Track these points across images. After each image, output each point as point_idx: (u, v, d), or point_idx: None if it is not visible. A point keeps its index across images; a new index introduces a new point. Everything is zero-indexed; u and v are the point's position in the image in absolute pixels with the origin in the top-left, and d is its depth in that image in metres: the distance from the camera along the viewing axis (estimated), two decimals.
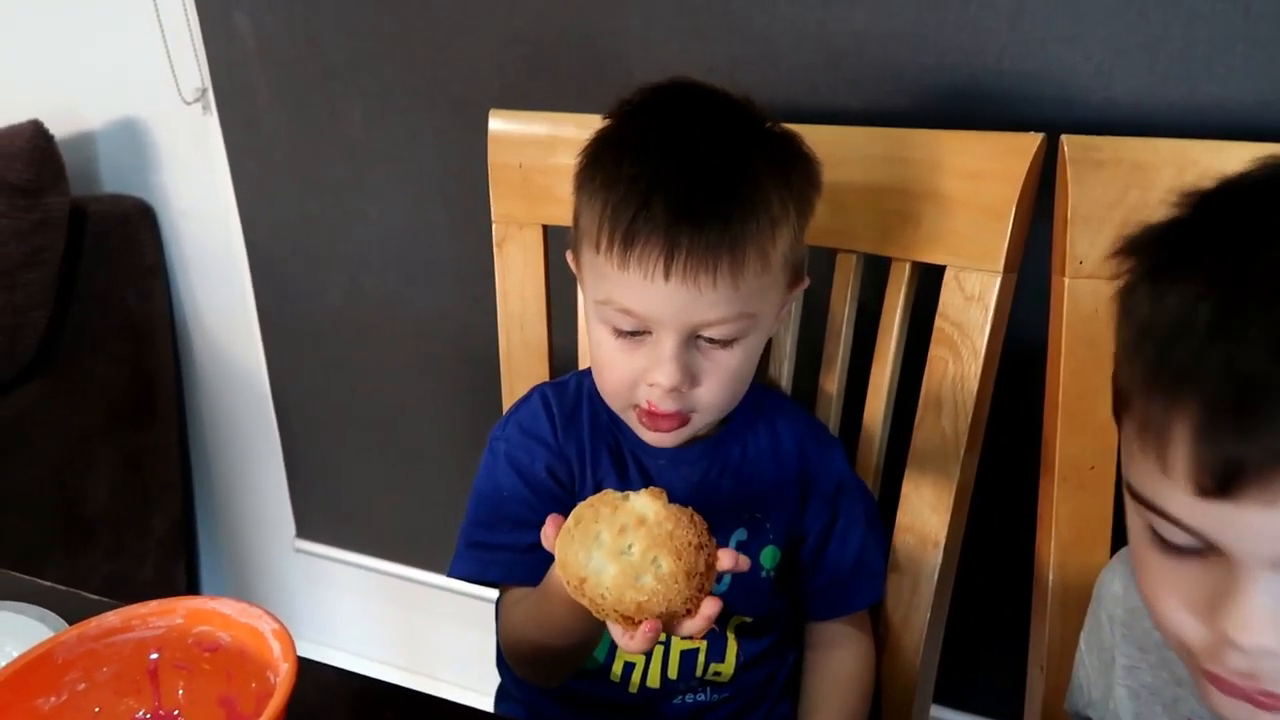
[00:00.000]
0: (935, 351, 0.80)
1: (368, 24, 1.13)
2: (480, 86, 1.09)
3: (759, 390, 0.82)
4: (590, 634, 0.68)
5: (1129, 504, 0.49)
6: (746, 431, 0.78)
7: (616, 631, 0.58)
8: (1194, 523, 0.44)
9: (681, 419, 0.70)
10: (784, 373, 0.88)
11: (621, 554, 0.57)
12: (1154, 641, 0.59)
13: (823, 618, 0.82)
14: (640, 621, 0.57)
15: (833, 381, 0.86)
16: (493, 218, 0.92)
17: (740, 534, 0.76)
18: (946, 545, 0.81)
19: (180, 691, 0.58)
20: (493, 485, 0.76)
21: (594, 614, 0.58)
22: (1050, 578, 0.79)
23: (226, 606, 0.58)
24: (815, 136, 0.75)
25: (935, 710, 0.97)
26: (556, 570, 0.60)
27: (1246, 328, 0.41)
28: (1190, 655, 0.49)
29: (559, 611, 0.65)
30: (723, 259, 0.64)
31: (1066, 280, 0.75)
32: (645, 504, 0.58)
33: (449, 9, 1.09)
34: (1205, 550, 0.46)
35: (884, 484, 0.85)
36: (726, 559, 0.59)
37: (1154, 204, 0.71)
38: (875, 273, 0.84)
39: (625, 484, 0.76)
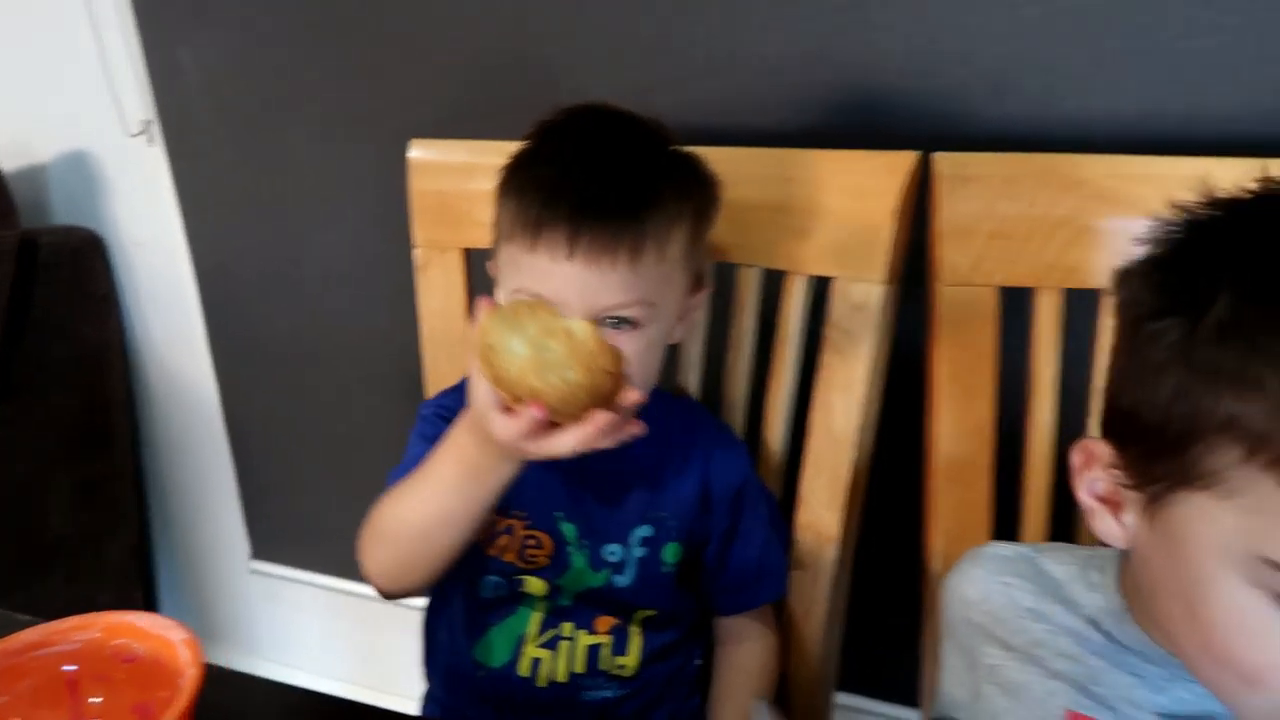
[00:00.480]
0: (825, 358, 0.85)
1: (308, 55, 1.18)
2: (418, 115, 1.14)
3: (668, 397, 0.87)
4: (460, 503, 0.71)
5: (1245, 575, 0.47)
6: (655, 435, 0.83)
7: (497, 418, 0.64)
8: None
9: (633, 437, 0.74)
10: (693, 381, 0.93)
11: (540, 349, 0.62)
12: (1021, 641, 0.61)
13: (729, 613, 0.86)
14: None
15: (737, 389, 0.91)
16: (414, 243, 0.96)
17: (645, 530, 0.81)
18: (841, 540, 0.86)
19: (98, 701, 0.62)
20: (411, 455, 0.80)
21: (490, 381, 0.63)
22: (938, 568, 0.84)
23: (141, 620, 0.60)
24: (717, 157, 0.81)
25: (841, 697, 1.01)
26: (474, 334, 0.64)
27: None
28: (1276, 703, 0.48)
29: (442, 468, 0.70)
30: (623, 244, 0.70)
31: (942, 288, 0.80)
32: (580, 325, 0.63)
33: (387, 40, 1.14)
34: None
35: (786, 485, 0.90)
36: (632, 396, 0.65)
37: (1019, 216, 0.78)
38: (774, 285, 0.89)
39: (541, 464, 0.80)
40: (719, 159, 0.82)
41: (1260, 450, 0.44)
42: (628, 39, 1.02)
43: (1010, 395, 0.81)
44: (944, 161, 0.78)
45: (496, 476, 0.70)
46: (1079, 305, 0.79)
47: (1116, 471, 0.53)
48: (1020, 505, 0.82)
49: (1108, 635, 0.58)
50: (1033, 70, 0.89)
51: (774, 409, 0.88)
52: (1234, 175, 0.52)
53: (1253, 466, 0.45)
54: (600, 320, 0.71)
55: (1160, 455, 0.49)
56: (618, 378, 0.64)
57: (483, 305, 0.67)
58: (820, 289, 0.86)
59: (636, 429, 0.67)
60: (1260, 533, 0.45)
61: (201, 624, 1.63)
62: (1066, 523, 0.81)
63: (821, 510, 0.86)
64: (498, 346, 0.63)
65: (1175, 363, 0.48)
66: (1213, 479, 0.46)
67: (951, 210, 0.79)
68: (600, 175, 0.72)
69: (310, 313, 1.34)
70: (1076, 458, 0.56)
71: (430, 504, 0.72)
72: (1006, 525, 0.82)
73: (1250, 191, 0.50)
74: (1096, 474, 0.55)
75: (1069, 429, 0.80)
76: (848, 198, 0.82)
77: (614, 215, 0.70)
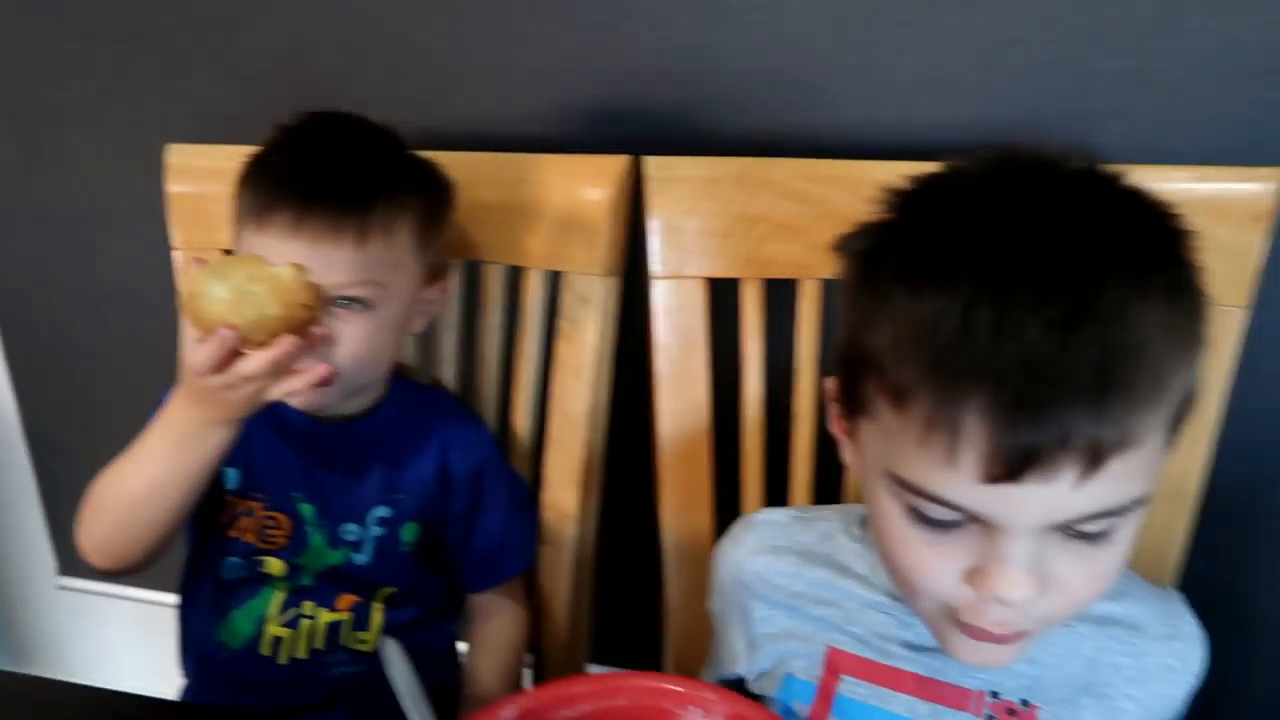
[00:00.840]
0: (559, 347, 0.91)
1: (89, 63, 1.19)
2: (201, 120, 1.16)
3: (413, 385, 0.92)
4: (171, 471, 0.73)
5: (884, 488, 0.54)
6: (396, 419, 0.88)
7: (191, 349, 0.67)
8: (969, 503, 0.49)
9: (320, 378, 0.78)
10: (449, 373, 0.98)
11: (242, 293, 0.66)
12: (784, 595, 0.67)
13: (477, 590, 0.91)
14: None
15: (488, 379, 0.96)
16: (173, 245, 0.99)
17: (383, 510, 0.85)
18: (581, 517, 0.92)
19: None
20: None
21: (191, 324, 0.67)
22: (669, 541, 0.91)
23: None
24: (458, 161, 0.88)
25: (592, 669, 1.07)
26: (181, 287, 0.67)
27: (1024, 325, 0.45)
28: (945, 613, 0.55)
29: (153, 437, 0.73)
30: (348, 226, 0.75)
31: (656, 280, 0.88)
32: (286, 270, 0.68)
33: (168, 47, 1.16)
34: (965, 521, 0.51)
35: (535, 467, 0.96)
36: (323, 331, 0.71)
37: (720, 214, 0.86)
38: (516, 280, 0.95)
39: (280, 445, 0.84)
40: (460, 163, 0.89)
41: (884, 380, 0.52)
42: (403, 49, 1.07)
43: (725, 377, 0.89)
44: (652, 164, 0.86)
45: (206, 443, 0.72)
46: (779, 293, 0.87)
47: (836, 404, 0.61)
48: (739, 477, 0.90)
49: (862, 579, 0.65)
50: (770, 83, 0.97)
51: (520, 396, 0.95)
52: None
53: (882, 394, 0.52)
54: (330, 300, 0.76)
55: (848, 387, 0.57)
56: (314, 312, 0.69)
57: (191, 262, 0.70)
58: (554, 283, 0.92)
59: (323, 370, 0.71)
60: (887, 452, 0.53)
61: (9, 643, 1.59)
62: (781, 491, 0.89)
63: (562, 489, 0.93)
64: (200, 293, 0.66)
65: (852, 309, 0.55)
66: (869, 406, 0.54)
67: (660, 209, 0.86)
68: (329, 165, 0.78)
69: (107, 323, 1.34)
70: (826, 395, 0.63)
71: (143, 474, 0.74)
72: (728, 497, 0.90)
73: (922, 177, 0.56)
74: (833, 408, 0.62)
75: (777, 406, 0.88)
76: (570, 198, 0.89)
77: (340, 200, 0.75)
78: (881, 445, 0.53)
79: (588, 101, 1.04)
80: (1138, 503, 0.50)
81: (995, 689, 0.62)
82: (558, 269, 0.91)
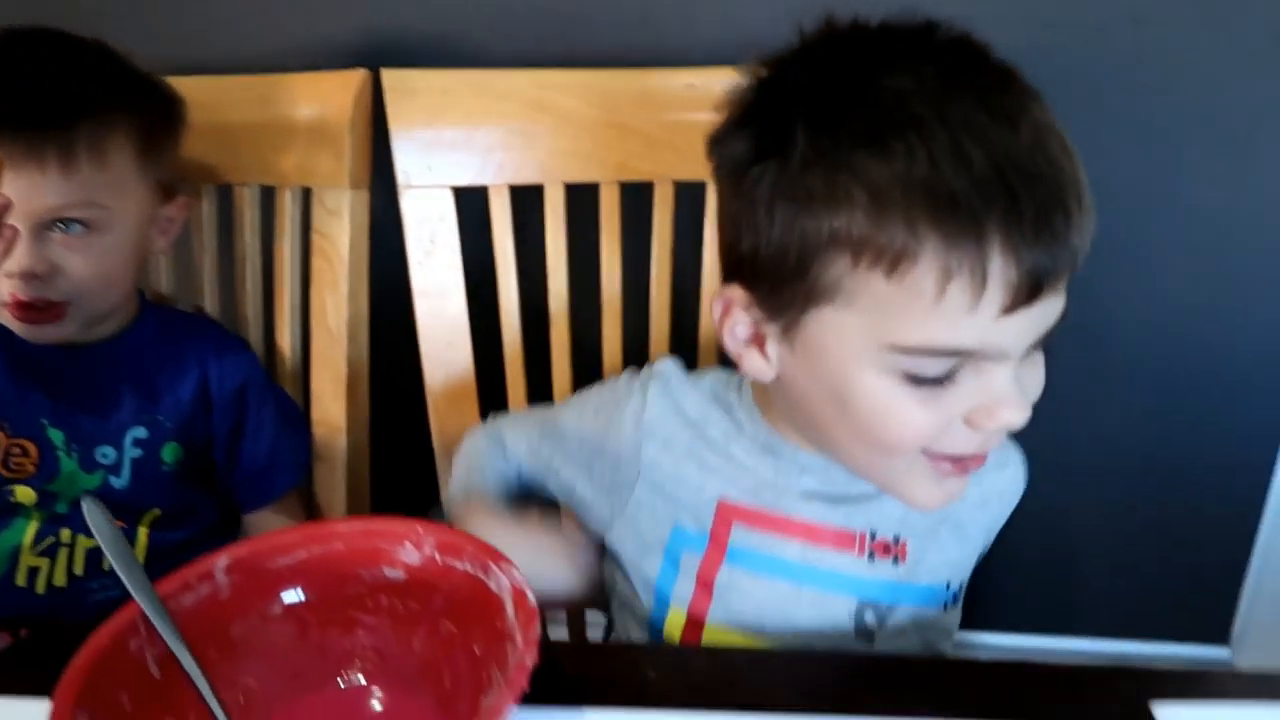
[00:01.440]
0: (315, 263, 0.93)
1: None
2: None
3: (171, 312, 0.92)
4: None
5: (866, 369, 0.54)
6: (147, 343, 0.87)
7: None
8: (980, 343, 0.51)
9: (56, 310, 0.78)
10: (210, 299, 0.98)
11: None
12: (681, 442, 0.67)
13: (250, 508, 0.92)
14: None
15: (248, 302, 0.97)
16: None
17: (139, 431, 0.85)
18: (351, 429, 0.95)
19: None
20: None
21: None
22: (439, 444, 0.95)
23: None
24: (200, 85, 0.88)
25: None
26: None
27: (1006, 147, 0.49)
28: (916, 462, 0.58)
29: None
30: (48, 148, 0.74)
31: (403, 191, 0.90)
32: None
33: None
34: (959, 369, 0.53)
35: (304, 385, 0.97)
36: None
37: (459, 124, 0.89)
38: (270, 200, 0.95)
39: (21, 373, 0.82)
40: (206, 88, 0.90)
41: (863, 253, 0.51)
42: None
43: (481, 282, 0.93)
44: (389, 77, 0.88)
45: None
46: (527, 199, 0.91)
47: (754, 310, 0.59)
48: (503, 377, 0.94)
49: (749, 434, 0.67)
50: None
51: (282, 315, 0.96)
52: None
53: (860, 269, 0.52)
54: (48, 223, 0.75)
55: (785, 284, 0.55)
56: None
57: None
58: (306, 200, 0.93)
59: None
60: (880, 325, 0.53)
61: None
62: (545, 387, 0.94)
63: (329, 403, 0.95)
64: None
65: (777, 200, 0.54)
66: (833, 291, 0.54)
67: (401, 121, 0.88)
68: (27, 85, 0.75)
69: None
70: (717, 308, 0.61)
71: None
72: (492, 398, 0.94)
73: (800, 41, 0.56)
74: (737, 318, 0.60)
75: (531, 312, 0.93)
76: (314, 114, 0.90)
77: (39, 122, 0.74)
78: (871, 322, 0.53)
79: (340, 30, 1.06)
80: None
81: (873, 529, 0.66)
82: (307, 185, 0.92)
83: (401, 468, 1.00)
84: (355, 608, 0.57)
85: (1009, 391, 0.53)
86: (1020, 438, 0.67)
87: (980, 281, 0.49)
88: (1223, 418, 1.18)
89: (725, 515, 0.67)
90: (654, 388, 0.69)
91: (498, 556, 0.54)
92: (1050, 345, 0.58)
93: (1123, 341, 1.16)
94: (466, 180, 0.90)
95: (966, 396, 0.54)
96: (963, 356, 0.53)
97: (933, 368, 0.53)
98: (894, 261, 0.51)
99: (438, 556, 0.56)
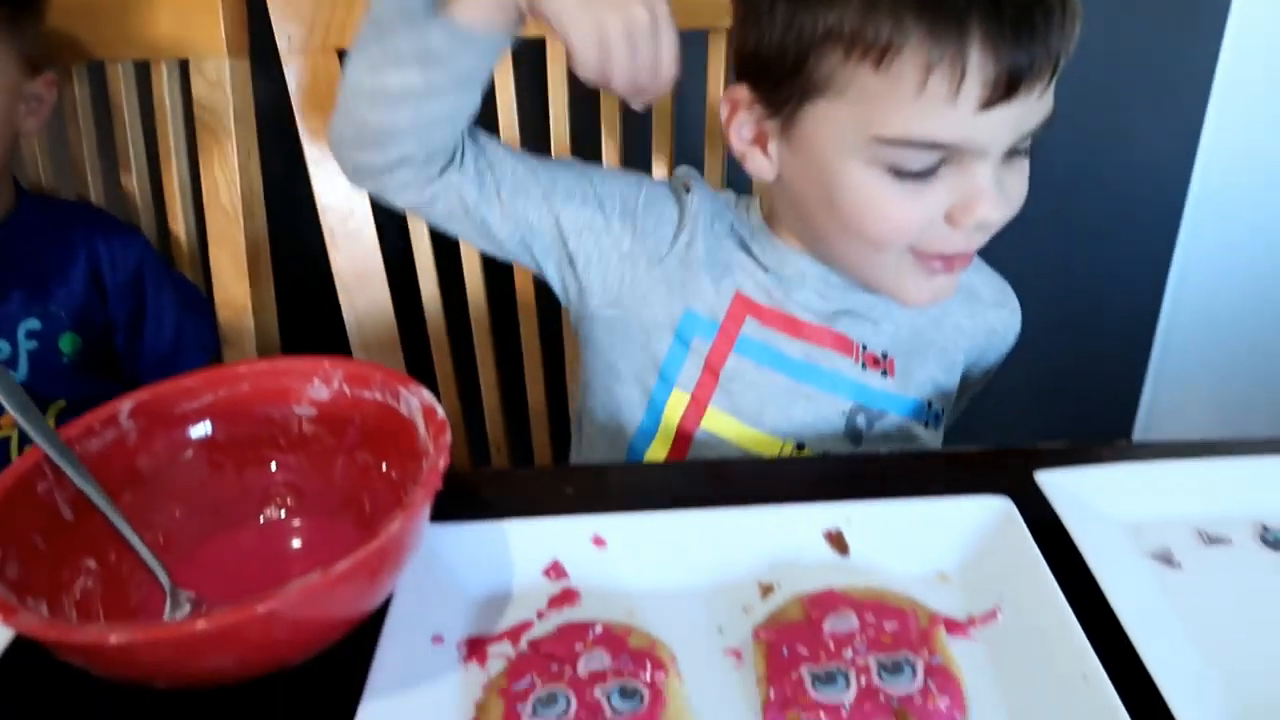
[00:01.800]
0: (201, 139, 0.90)
1: None
2: None
3: (53, 202, 0.89)
4: None
5: (854, 161, 0.58)
6: (27, 234, 0.84)
7: None
8: (959, 137, 0.55)
9: None
10: (94, 186, 0.94)
11: None
12: (716, 228, 0.70)
13: None
14: None
15: (130, 181, 0.93)
16: None
17: (32, 323, 0.83)
18: (257, 308, 0.93)
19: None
20: None
21: None
22: (350, 318, 0.94)
23: None
24: None
25: None
26: None
27: None
28: (905, 259, 0.62)
29: None
30: None
31: (286, 57, 0.87)
32: None
33: None
34: (942, 165, 0.57)
35: (204, 268, 0.95)
36: None
37: None
38: (147, 77, 0.91)
39: None
40: None
41: (854, 47, 0.55)
42: None
43: None
44: None
45: None
46: None
47: (756, 108, 0.63)
48: (410, 247, 0.93)
49: (762, 245, 0.70)
50: None
51: (172, 198, 0.93)
52: None
53: (851, 63, 0.56)
54: None
55: (784, 79, 0.59)
56: None
57: None
58: (185, 74, 0.90)
59: None
60: (868, 117, 0.56)
61: None
62: (455, 257, 0.93)
63: (232, 284, 0.93)
64: None
65: (777, 2, 0.58)
66: (825, 84, 0.57)
67: None
68: None
69: None
70: (724, 109, 0.65)
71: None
72: (400, 270, 0.94)
73: None
74: (742, 118, 0.64)
75: None
76: None
77: None
78: (859, 114, 0.57)
79: None
80: (1051, 111, 0.58)
81: (865, 342, 0.71)
82: (184, 56, 0.88)
83: (315, 347, 0.99)
84: (269, 446, 0.57)
85: (987, 188, 0.57)
86: None
87: (959, 74, 0.53)
88: (1118, 223, 1.21)
89: (740, 307, 0.70)
90: (695, 183, 0.71)
91: (406, 380, 0.54)
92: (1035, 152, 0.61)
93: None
94: (349, 41, 0.87)
95: (947, 192, 0.58)
96: (943, 150, 0.56)
97: (915, 161, 0.56)
98: (881, 53, 0.54)
99: (347, 389, 0.56)
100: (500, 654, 0.48)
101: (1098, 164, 1.16)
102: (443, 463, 0.48)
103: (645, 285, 0.70)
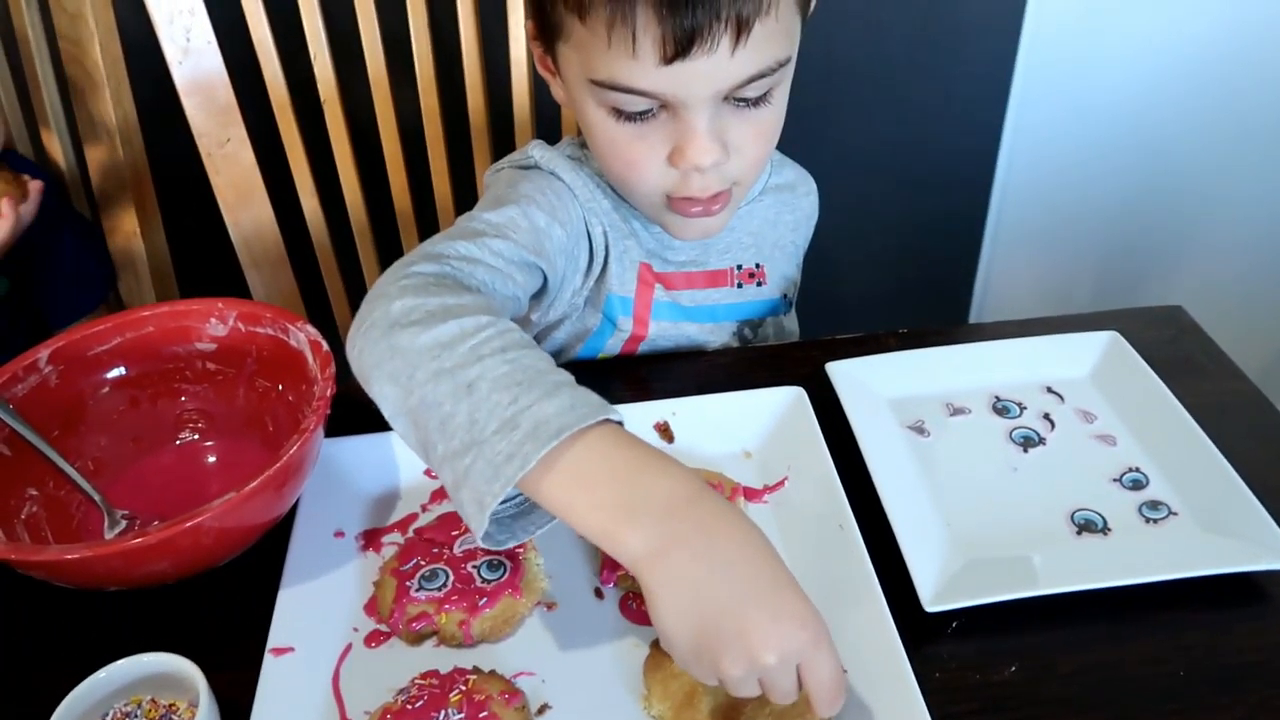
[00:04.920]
0: (70, 72, 0.92)
1: None
2: None
3: None
4: None
5: (588, 100, 0.61)
6: None
7: None
8: (654, 87, 0.57)
9: None
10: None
11: None
12: (598, 208, 0.71)
13: (63, 326, 0.96)
14: None
15: (10, 128, 0.95)
16: None
17: None
18: (147, 232, 0.98)
19: None
20: None
21: None
22: (234, 232, 1.00)
23: None
24: None
25: None
26: None
27: None
28: (658, 199, 0.65)
29: None
30: None
31: None
32: None
33: None
34: (658, 111, 0.60)
35: (90, 198, 0.99)
36: None
37: None
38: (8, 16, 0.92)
39: None
40: None
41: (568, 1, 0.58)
42: None
43: (246, 70, 0.95)
44: None
45: None
46: None
47: (536, 43, 0.66)
48: (285, 160, 0.98)
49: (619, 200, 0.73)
50: None
51: (49, 134, 0.95)
52: None
53: (569, 12, 0.58)
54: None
55: (542, 19, 0.63)
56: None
57: None
58: (45, 7, 0.91)
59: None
60: (585, 62, 0.59)
61: None
62: (330, 168, 0.99)
63: (119, 211, 0.97)
64: None
65: None
66: (560, 29, 0.60)
67: None
68: None
69: None
70: (528, 39, 0.67)
71: None
72: (279, 182, 0.99)
73: None
74: (537, 50, 0.67)
75: (300, 89, 0.96)
76: None
77: None
78: (579, 59, 0.60)
79: None
80: (781, 65, 0.60)
81: (738, 263, 0.79)
82: None
83: (206, 266, 1.05)
84: (177, 379, 0.66)
85: (698, 134, 0.60)
86: None
87: (631, 33, 0.55)
88: (948, 104, 1.32)
89: (645, 277, 0.75)
90: (560, 166, 0.71)
91: (293, 317, 0.63)
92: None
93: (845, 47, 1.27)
94: None
95: (666, 138, 0.62)
96: (651, 98, 0.60)
97: (629, 104, 0.60)
98: (579, 6, 0.58)
99: (241, 326, 0.65)
100: (391, 542, 0.60)
101: (927, 52, 1.25)
102: (330, 391, 0.58)
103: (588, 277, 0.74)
